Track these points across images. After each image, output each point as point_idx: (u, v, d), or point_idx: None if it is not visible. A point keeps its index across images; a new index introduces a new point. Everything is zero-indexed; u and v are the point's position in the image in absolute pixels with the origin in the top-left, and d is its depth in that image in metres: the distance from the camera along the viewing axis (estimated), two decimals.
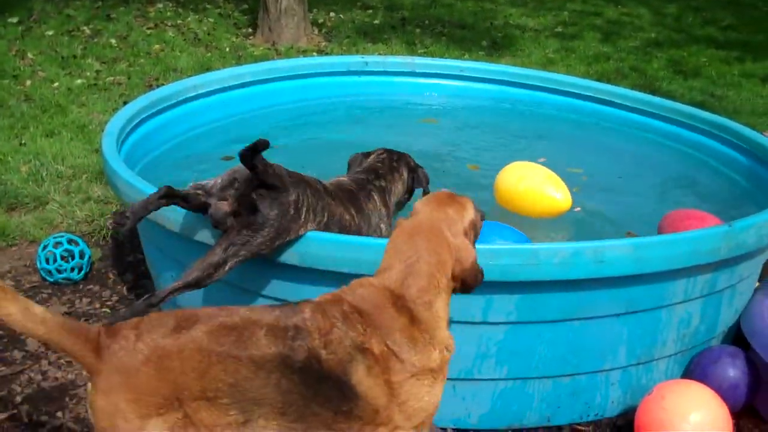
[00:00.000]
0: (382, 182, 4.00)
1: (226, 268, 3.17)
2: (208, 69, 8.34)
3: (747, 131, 5.04)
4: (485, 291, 3.29)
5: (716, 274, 3.58)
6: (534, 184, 4.44)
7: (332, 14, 11.44)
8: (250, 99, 5.76)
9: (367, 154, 4.21)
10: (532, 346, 3.46)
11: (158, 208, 3.26)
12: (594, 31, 11.25)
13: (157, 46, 9.57)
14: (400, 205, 4.13)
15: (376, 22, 11.25)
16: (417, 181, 4.21)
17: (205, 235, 3.45)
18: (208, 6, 11.42)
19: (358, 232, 3.66)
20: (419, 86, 6.25)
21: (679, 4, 13.09)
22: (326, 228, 3.44)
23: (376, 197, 3.90)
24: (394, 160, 4.15)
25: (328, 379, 2.53)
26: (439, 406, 3.51)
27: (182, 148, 5.11)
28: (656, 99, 5.87)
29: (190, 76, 6.84)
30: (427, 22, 11.35)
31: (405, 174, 4.15)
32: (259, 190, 3.16)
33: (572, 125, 5.85)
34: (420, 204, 2.83)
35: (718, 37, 11.19)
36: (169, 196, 3.24)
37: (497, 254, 3.23)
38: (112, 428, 2.43)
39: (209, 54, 9.45)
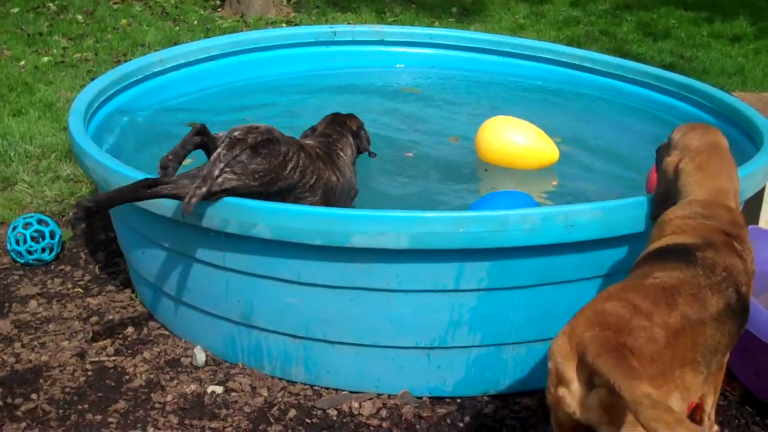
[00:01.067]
0: (339, 144, 4.24)
1: (220, 179, 3.33)
2: (177, 43, 8.27)
3: (715, 91, 5.05)
4: (456, 259, 3.30)
5: None
6: (526, 140, 4.64)
7: None
8: (218, 72, 5.71)
9: (314, 128, 4.45)
10: (505, 312, 3.47)
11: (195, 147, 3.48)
12: None
13: (124, 21, 9.46)
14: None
15: None
16: (361, 145, 4.47)
17: (176, 212, 3.43)
18: None
19: (342, 191, 3.95)
20: (389, 55, 6.22)
21: None
22: (311, 189, 3.66)
23: (342, 155, 4.16)
24: (338, 127, 4.38)
25: (746, 310, 2.81)
26: (416, 376, 3.56)
27: (151, 123, 5.07)
28: (626, 62, 5.87)
29: (158, 50, 6.76)
30: None
31: (350, 138, 4.39)
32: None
33: (543, 91, 5.85)
34: (691, 135, 3.23)
35: None
36: (202, 133, 3.47)
37: (467, 221, 3.23)
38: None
39: (177, 28, 9.36)
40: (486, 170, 4.66)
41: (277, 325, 3.60)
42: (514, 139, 4.63)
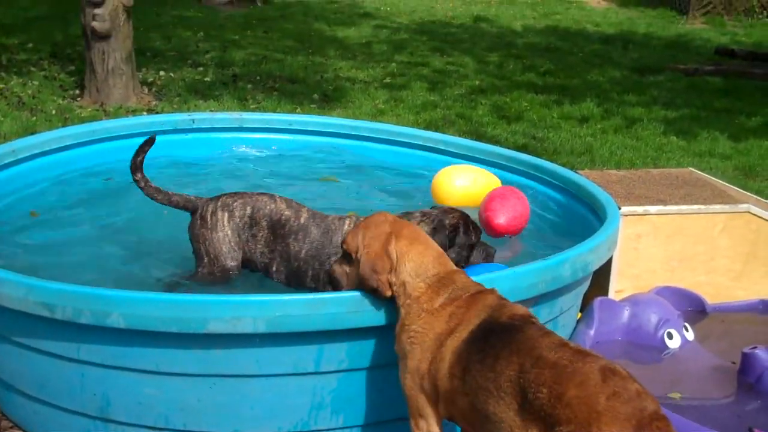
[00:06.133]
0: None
1: None
2: (33, 133, 8.08)
3: (561, 170, 5.29)
4: (315, 341, 3.32)
5: (537, 308, 3.71)
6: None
7: (162, 73, 11.32)
8: (76, 161, 5.63)
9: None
10: (367, 392, 3.50)
11: None
12: (421, 81, 11.57)
13: None
14: None
15: (207, 79, 11.21)
16: None
17: (23, 303, 3.35)
18: (32, 69, 11.10)
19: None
20: (249, 141, 6.27)
21: (500, 52, 13.66)
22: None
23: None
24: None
25: None
26: None
27: (6, 213, 4.94)
28: (480, 144, 6.09)
29: (12, 140, 6.60)
30: (258, 77, 11.39)
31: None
32: None
33: (406, 175, 5.96)
34: (371, 229, 3.32)
35: (537, 83, 11.73)
36: None
37: (324, 303, 3.27)
38: None
39: (34, 118, 9.17)
40: None
41: (135, 418, 3.51)
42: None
